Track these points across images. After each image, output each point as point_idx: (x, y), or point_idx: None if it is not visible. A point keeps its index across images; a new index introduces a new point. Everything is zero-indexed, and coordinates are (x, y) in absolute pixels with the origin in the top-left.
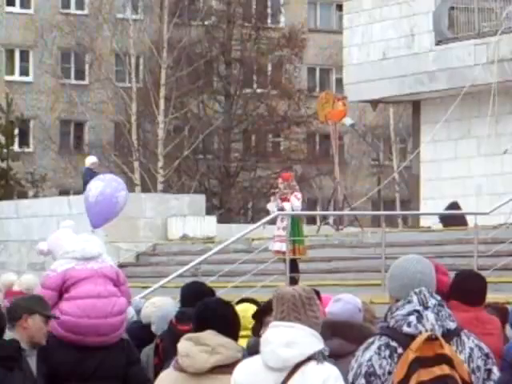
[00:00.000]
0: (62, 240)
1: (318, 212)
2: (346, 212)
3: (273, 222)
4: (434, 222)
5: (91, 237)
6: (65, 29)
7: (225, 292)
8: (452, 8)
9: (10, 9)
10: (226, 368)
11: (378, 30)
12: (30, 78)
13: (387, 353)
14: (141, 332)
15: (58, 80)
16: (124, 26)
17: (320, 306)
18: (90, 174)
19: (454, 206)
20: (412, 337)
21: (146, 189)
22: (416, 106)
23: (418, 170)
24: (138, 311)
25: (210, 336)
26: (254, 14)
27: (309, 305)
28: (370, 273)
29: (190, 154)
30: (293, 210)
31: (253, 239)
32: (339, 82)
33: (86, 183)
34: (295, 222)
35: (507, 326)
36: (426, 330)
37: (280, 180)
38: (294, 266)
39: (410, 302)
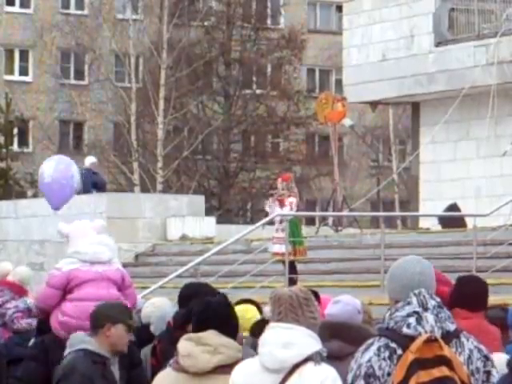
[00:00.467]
0: (83, 236)
1: (317, 213)
2: (345, 213)
3: (272, 222)
4: (433, 224)
5: (107, 240)
6: (64, 29)
7: (224, 293)
8: (452, 9)
9: (9, 9)
10: (227, 368)
11: (378, 31)
12: (29, 78)
13: (386, 354)
14: (140, 332)
15: (58, 80)
16: (124, 27)
17: (318, 306)
18: (89, 175)
19: (453, 207)
20: (411, 338)
21: (145, 189)
22: (415, 107)
23: (417, 172)
24: (138, 311)
25: (211, 336)
26: (254, 15)
27: (306, 306)
28: (369, 274)
29: (189, 154)
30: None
31: (252, 240)
32: (339, 83)
33: (85, 183)
34: (294, 224)
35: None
36: (426, 332)
37: (279, 180)
38: (292, 267)
39: (409, 303)
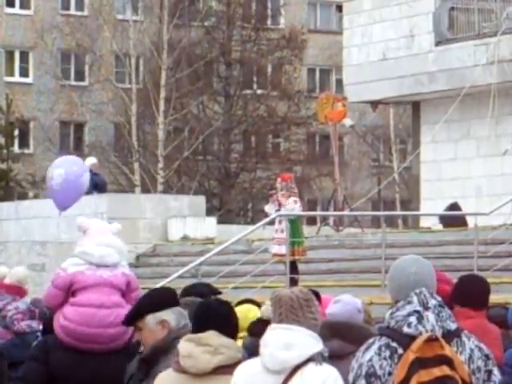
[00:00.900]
0: (100, 235)
1: (318, 213)
2: (346, 213)
3: (273, 223)
4: (434, 223)
5: (116, 242)
6: (65, 30)
7: (225, 293)
8: (452, 9)
9: (9, 10)
10: (228, 368)
11: (378, 30)
12: (29, 79)
13: (387, 353)
14: None
15: (58, 81)
16: (124, 27)
17: (319, 307)
18: (89, 176)
19: (454, 206)
20: (412, 337)
21: (145, 190)
22: (416, 106)
23: (417, 171)
24: None
25: (211, 336)
26: (254, 15)
27: (307, 306)
28: (370, 273)
29: (189, 154)
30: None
31: (253, 240)
32: (339, 82)
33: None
34: (295, 223)
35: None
36: (427, 331)
37: (279, 180)
38: (293, 267)
39: (410, 302)
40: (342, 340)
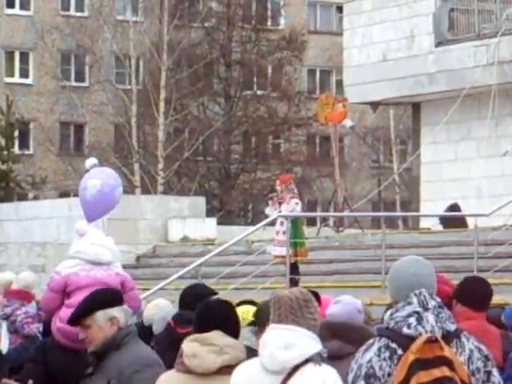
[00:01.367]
0: (92, 237)
1: (318, 214)
2: (346, 214)
3: (273, 224)
4: (434, 224)
5: (109, 243)
6: (65, 31)
7: (225, 294)
8: (452, 10)
9: (9, 11)
10: (232, 368)
11: (378, 31)
12: (30, 80)
13: (387, 354)
14: (141, 334)
15: (58, 82)
16: (124, 28)
17: (318, 307)
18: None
19: (454, 207)
20: (412, 338)
21: (146, 191)
22: (416, 107)
23: (418, 172)
24: (139, 313)
25: (217, 336)
26: (254, 16)
27: (306, 307)
28: (370, 274)
29: (190, 155)
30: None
31: (253, 241)
32: (339, 83)
33: None
34: (296, 225)
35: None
36: (426, 332)
37: (278, 182)
38: (294, 267)
39: (409, 303)
40: (341, 341)
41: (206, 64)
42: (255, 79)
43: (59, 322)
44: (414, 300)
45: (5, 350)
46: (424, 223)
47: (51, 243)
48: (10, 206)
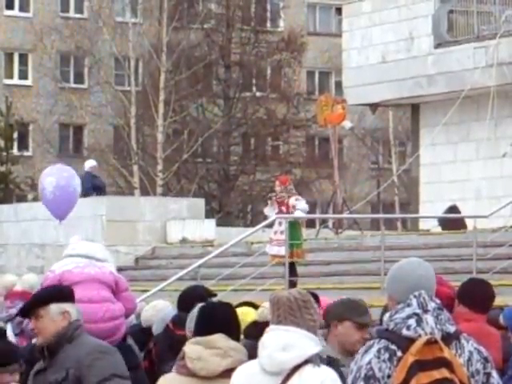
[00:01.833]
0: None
1: (317, 215)
2: (345, 215)
3: (272, 225)
4: (434, 225)
5: (99, 244)
6: (64, 32)
7: (224, 295)
8: (451, 11)
9: (9, 12)
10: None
11: (378, 33)
12: (29, 82)
13: (386, 356)
14: (140, 335)
15: (57, 84)
16: (123, 30)
17: (317, 309)
18: (89, 178)
19: (453, 209)
20: (411, 340)
21: (145, 192)
22: (415, 109)
23: (417, 173)
24: (138, 315)
25: (220, 339)
26: (253, 18)
27: (305, 308)
28: (369, 276)
29: (189, 157)
30: (303, 212)
31: (252, 243)
32: (338, 85)
33: (85, 187)
34: (294, 226)
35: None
36: (426, 334)
37: (277, 183)
38: (291, 269)
39: (409, 305)
40: None
41: (205, 65)
42: (254, 81)
43: None
44: (414, 302)
45: None
46: (423, 225)
47: (50, 245)
48: (8, 208)
